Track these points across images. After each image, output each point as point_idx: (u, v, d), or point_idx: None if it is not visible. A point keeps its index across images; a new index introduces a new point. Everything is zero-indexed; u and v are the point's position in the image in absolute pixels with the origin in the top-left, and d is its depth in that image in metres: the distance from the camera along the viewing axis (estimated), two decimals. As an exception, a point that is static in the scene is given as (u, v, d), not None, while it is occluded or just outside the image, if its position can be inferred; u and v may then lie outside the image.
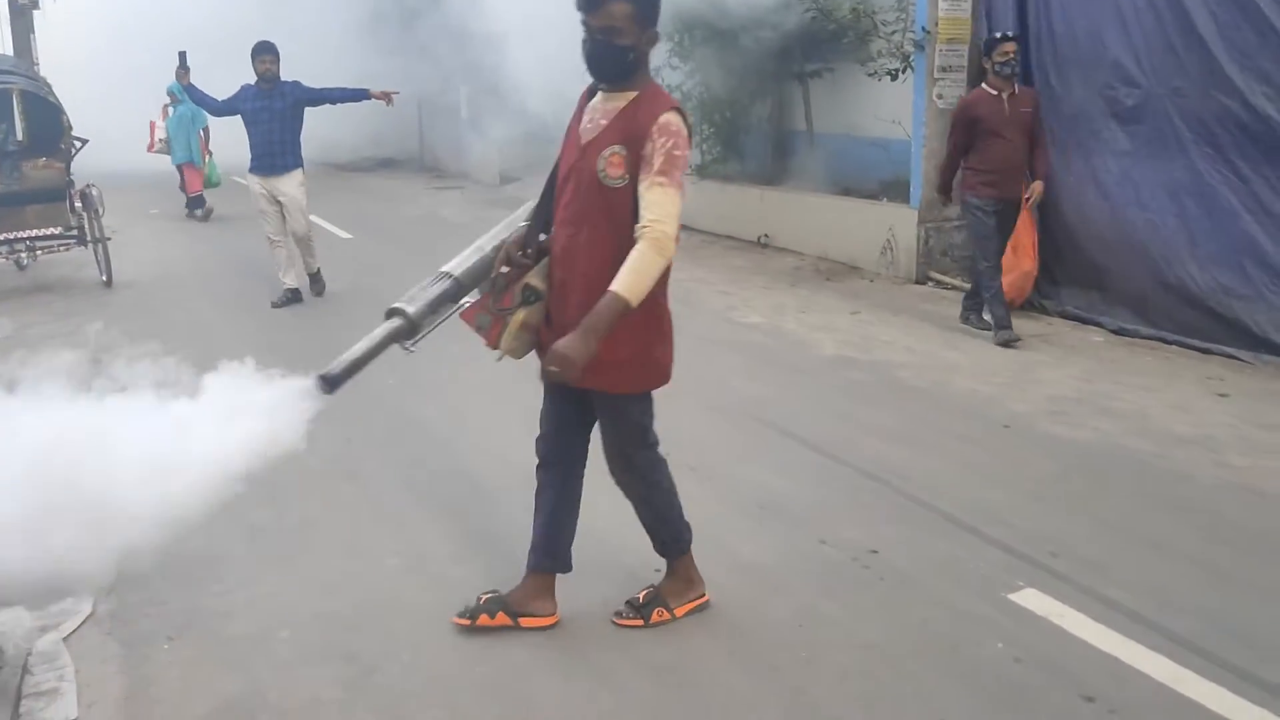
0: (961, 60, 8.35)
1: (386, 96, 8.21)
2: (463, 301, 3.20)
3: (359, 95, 8.15)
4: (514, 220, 3.33)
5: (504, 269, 3.19)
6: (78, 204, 9.11)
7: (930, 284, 8.39)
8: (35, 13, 15.22)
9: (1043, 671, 3.08)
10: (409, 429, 5.31)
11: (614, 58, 3.01)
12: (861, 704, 2.96)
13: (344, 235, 11.73)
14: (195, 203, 13.39)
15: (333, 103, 8.14)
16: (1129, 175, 6.71)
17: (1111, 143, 6.80)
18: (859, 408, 5.49)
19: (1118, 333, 6.79)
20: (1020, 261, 7.17)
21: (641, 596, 3.47)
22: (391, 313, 3.06)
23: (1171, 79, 6.38)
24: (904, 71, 8.91)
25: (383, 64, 15.95)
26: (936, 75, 8.37)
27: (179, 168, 13.36)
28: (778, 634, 3.34)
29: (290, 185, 8.01)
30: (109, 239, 9.17)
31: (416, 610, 3.52)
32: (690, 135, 3.07)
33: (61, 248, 9.14)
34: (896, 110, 9.14)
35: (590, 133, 3.09)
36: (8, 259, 9.12)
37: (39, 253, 9.13)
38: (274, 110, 7.89)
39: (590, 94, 3.18)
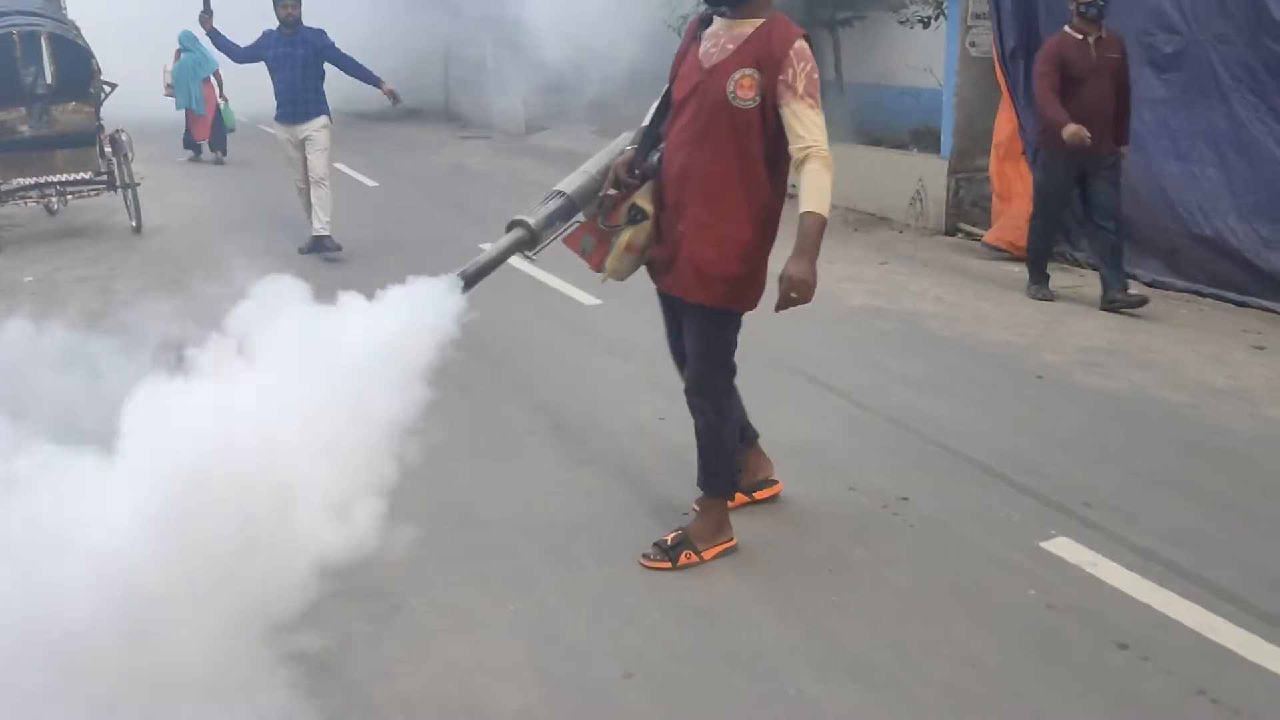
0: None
1: (394, 96, 8.07)
2: (572, 221, 3.34)
3: (371, 79, 7.99)
4: (614, 148, 3.43)
5: (611, 190, 3.33)
6: (107, 149, 9.11)
7: (960, 235, 8.28)
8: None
9: (1075, 619, 3.07)
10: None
11: None
12: (892, 649, 2.96)
13: (370, 183, 11.70)
14: (202, 147, 13.99)
15: (345, 71, 7.97)
16: (1165, 124, 6.57)
17: (1146, 91, 6.64)
18: (888, 357, 5.44)
19: (1151, 285, 6.68)
20: (1013, 204, 7.32)
21: (670, 539, 3.48)
22: (513, 224, 3.23)
23: (1215, 25, 6.21)
24: (936, 19, 8.77)
25: (408, 17, 15.85)
26: (970, 23, 8.22)
27: (186, 114, 13.79)
28: (807, 578, 3.34)
29: (314, 128, 7.89)
30: (138, 184, 9.17)
31: (442, 549, 3.53)
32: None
33: (91, 193, 9.16)
34: (928, 58, 8.99)
35: (714, 56, 3.19)
36: (38, 203, 9.16)
37: (69, 197, 9.15)
38: (296, 57, 7.76)
39: (703, 22, 3.31)
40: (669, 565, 3.41)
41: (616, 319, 6.27)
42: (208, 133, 13.77)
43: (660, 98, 3.39)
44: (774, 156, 3.18)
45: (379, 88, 8.04)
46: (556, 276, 7.19)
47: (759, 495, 3.82)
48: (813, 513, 3.78)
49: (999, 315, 6.14)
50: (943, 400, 4.79)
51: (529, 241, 3.22)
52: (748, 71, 3.12)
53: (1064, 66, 6.10)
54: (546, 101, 16.22)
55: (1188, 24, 6.39)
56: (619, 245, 3.32)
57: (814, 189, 3.05)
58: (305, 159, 7.96)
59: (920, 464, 4.16)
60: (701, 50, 3.23)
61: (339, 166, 8.95)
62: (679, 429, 4.52)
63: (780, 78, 3.08)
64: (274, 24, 7.89)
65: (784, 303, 3.08)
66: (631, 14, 11.55)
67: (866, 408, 4.74)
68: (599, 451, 4.33)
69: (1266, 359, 5.27)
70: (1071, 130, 5.96)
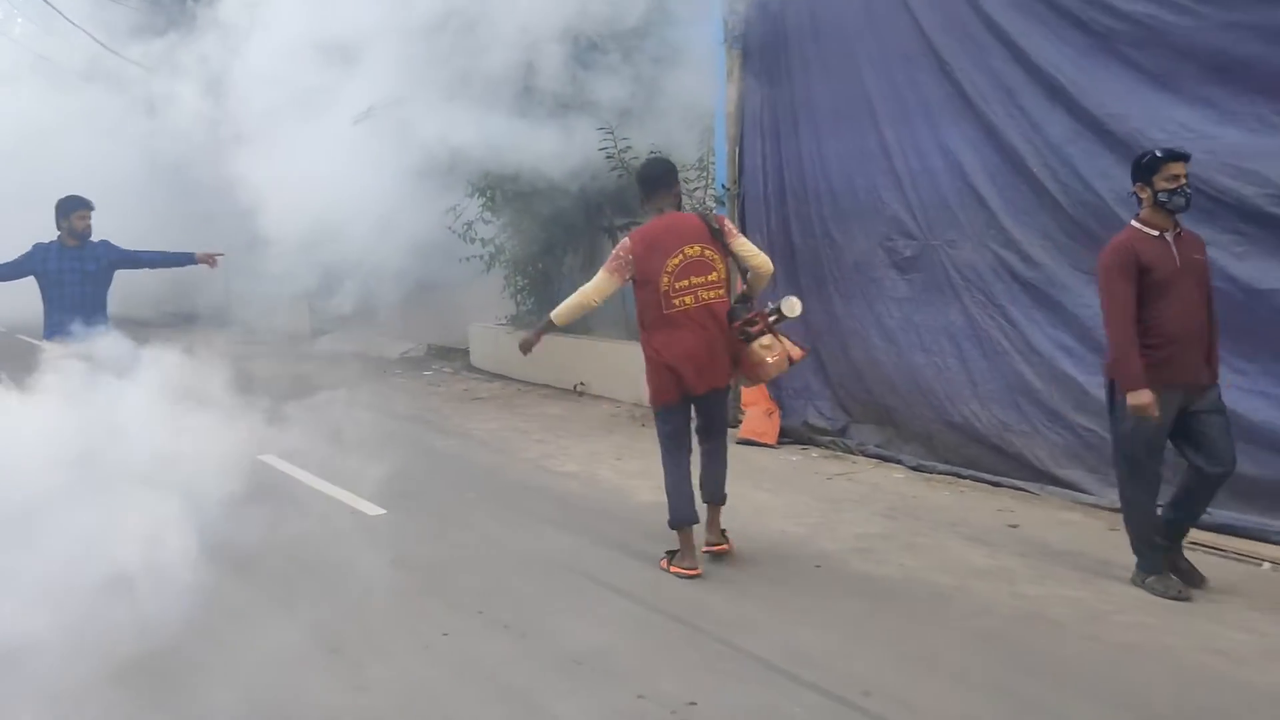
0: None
1: (211, 259, 7.56)
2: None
3: (183, 260, 7.48)
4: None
5: None
6: None
7: (739, 424, 8.58)
8: None
9: (860, 817, 3.05)
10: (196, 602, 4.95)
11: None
12: None
13: (138, 393, 11.10)
14: None
15: (152, 267, 7.45)
16: (910, 320, 7.16)
17: (892, 290, 7.26)
18: (674, 554, 5.48)
19: (916, 469, 7.10)
20: (755, 405, 7.88)
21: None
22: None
23: (945, 232, 6.90)
24: (707, 225, 9.36)
25: (184, 224, 15.55)
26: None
27: None
28: (595, 800, 3.20)
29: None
30: None
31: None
32: (630, 244, 5.20)
33: None
34: (701, 261, 9.52)
35: None
36: None
37: None
38: (86, 272, 7.10)
39: None
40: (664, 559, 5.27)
41: (401, 528, 6.08)
42: None
43: None
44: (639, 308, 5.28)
45: (196, 262, 7.49)
46: (340, 487, 6.95)
47: (704, 549, 5.33)
48: (601, 726, 3.66)
49: (778, 504, 6.33)
50: (726, 595, 4.84)
51: None
52: None
53: (1141, 273, 4.66)
54: (333, 305, 16.10)
55: (922, 230, 7.07)
56: None
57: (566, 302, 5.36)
58: None
59: (708, 664, 4.14)
60: None
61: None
62: (464, 645, 4.36)
63: None
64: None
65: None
66: (419, 220, 11.76)
67: (654, 608, 4.72)
68: (377, 676, 4.09)
69: (1020, 536, 5.63)
70: (1144, 403, 4.57)
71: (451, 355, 13.40)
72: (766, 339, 5.18)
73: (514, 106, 9.23)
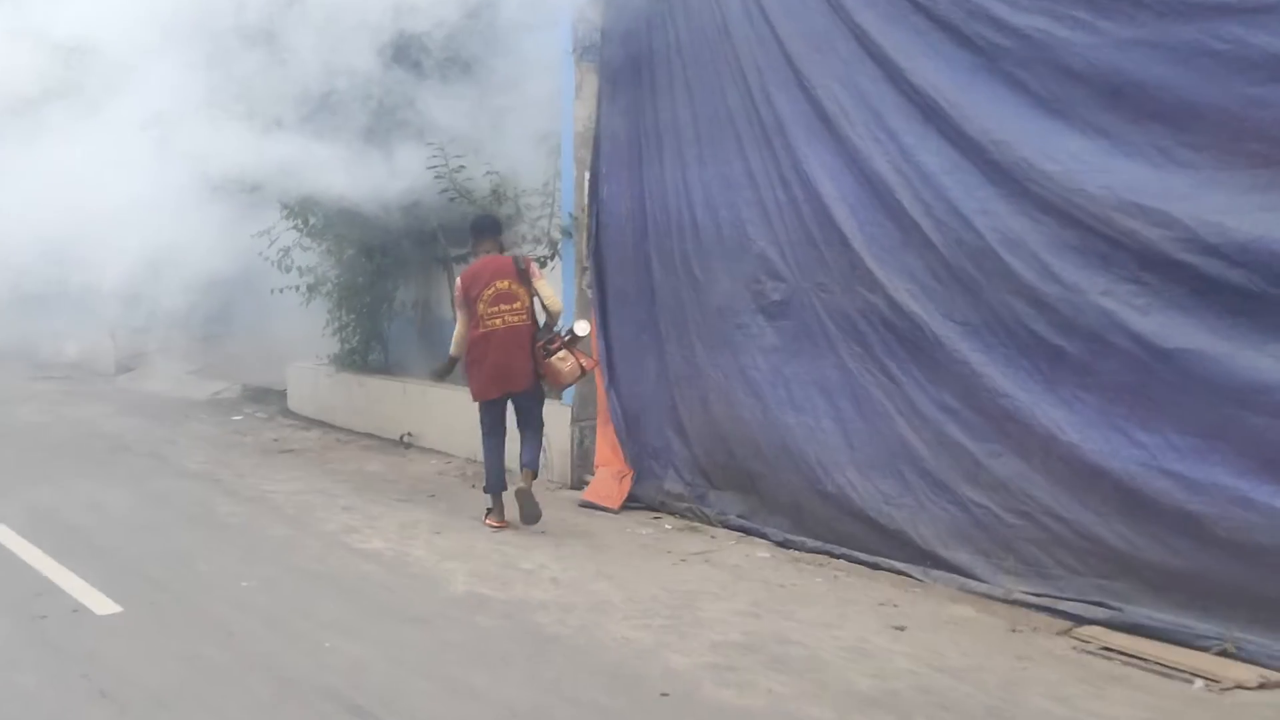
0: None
1: None
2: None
3: None
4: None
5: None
6: None
7: (586, 488, 7.48)
8: None
9: None
10: None
11: None
12: None
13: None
14: None
15: None
16: (780, 373, 6.20)
17: (759, 338, 6.30)
18: (482, 674, 4.27)
19: (783, 545, 6.12)
20: (608, 466, 7.19)
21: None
22: None
23: (815, 274, 5.99)
24: (553, 259, 8.27)
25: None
26: (585, 264, 7.77)
27: None
28: None
29: None
30: None
31: None
32: (460, 280, 6.61)
33: None
34: (546, 298, 8.44)
35: None
36: None
37: None
38: None
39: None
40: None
41: (134, 635, 4.73)
42: None
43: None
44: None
45: None
46: (73, 573, 5.54)
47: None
48: None
49: (620, 599, 5.20)
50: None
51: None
52: None
53: None
54: (141, 339, 14.44)
55: (791, 271, 6.15)
56: None
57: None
58: None
59: None
60: None
61: None
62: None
63: None
64: None
65: None
66: (231, 247, 10.36)
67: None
68: None
69: (909, 644, 4.61)
70: None
71: (268, 398, 11.89)
72: (562, 353, 6.42)
73: (321, 120, 8.00)
